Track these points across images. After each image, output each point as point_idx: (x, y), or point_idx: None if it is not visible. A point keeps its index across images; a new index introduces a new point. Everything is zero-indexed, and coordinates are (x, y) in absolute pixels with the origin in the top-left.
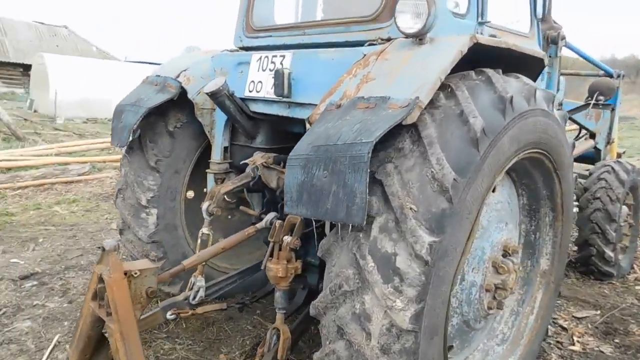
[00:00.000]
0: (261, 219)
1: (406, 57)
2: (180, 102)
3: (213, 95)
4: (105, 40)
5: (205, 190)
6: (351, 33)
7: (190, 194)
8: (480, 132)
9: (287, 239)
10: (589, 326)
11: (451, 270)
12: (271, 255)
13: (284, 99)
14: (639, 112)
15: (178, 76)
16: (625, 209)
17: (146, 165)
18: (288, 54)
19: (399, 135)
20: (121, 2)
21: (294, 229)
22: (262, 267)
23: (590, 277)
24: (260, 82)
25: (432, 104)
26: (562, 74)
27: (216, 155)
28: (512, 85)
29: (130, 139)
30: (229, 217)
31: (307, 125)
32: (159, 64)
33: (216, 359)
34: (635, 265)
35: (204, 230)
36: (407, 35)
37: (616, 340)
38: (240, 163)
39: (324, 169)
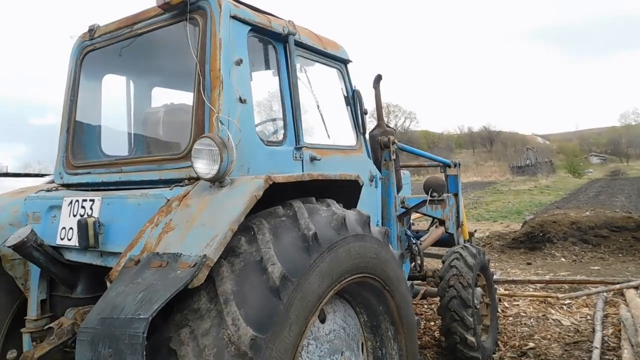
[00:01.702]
0: None
1: (204, 204)
2: None
3: (18, 248)
4: None
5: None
6: (163, 171)
7: (13, 353)
8: (279, 280)
9: None
10: None
11: None
12: None
13: (90, 249)
14: (499, 177)
15: None
16: (479, 290)
17: None
18: (97, 198)
19: (196, 294)
20: None
21: None
22: None
23: None
24: (71, 228)
25: (234, 251)
26: (407, 167)
27: (32, 311)
28: (319, 218)
29: None
30: None
31: (108, 284)
32: None
33: None
34: (499, 342)
35: None
36: (205, 180)
37: None
38: (50, 325)
39: (109, 347)
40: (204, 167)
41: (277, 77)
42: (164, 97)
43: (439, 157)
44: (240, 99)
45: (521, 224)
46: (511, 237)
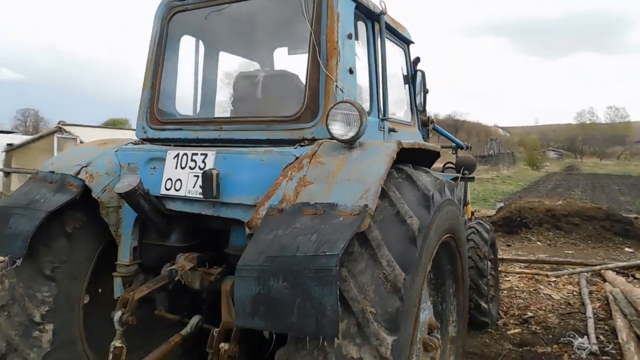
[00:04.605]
0: (184, 324)
1: (340, 162)
2: (79, 200)
3: (127, 196)
4: None
5: (100, 292)
6: (273, 132)
7: (86, 299)
8: (417, 230)
9: (224, 346)
10: None
11: None
12: None
13: (211, 199)
14: None
15: (78, 173)
16: (489, 263)
17: (39, 274)
18: (210, 152)
19: None
20: None
21: (229, 335)
22: None
23: (470, 329)
24: (179, 180)
25: None
26: None
27: (124, 256)
28: (428, 181)
29: (26, 249)
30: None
31: (247, 230)
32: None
33: None
34: (500, 312)
35: (116, 343)
36: (340, 141)
37: None
38: (168, 269)
39: (284, 281)
40: (341, 129)
41: (365, 52)
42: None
43: (456, 139)
44: (350, 69)
45: (490, 210)
46: (489, 221)
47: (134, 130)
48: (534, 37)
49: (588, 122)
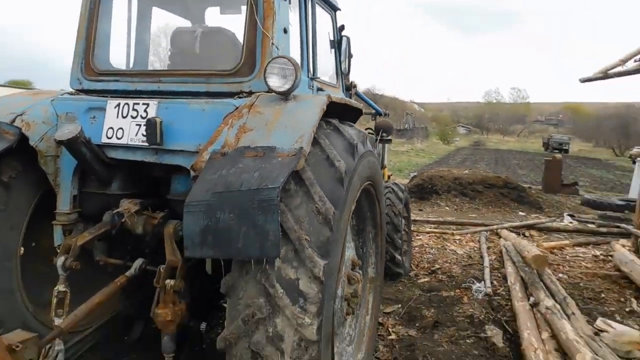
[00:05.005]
0: (126, 268)
1: (277, 112)
2: (15, 148)
3: (69, 143)
4: None
5: (36, 243)
6: (211, 84)
7: (21, 250)
8: (344, 172)
9: (170, 282)
10: (397, 318)
11: (334, 286)
12: (157, 301)
13: (153, 146)
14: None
15: (13, 121)
16: (403, 220)
17: None
18: (152, 102)
19: None
20: None
21: (174, 272)
22: (151, 314)
23: (387, 279)
24: (121, 128)
25: None
26: None
27: (64, 205)
28: (353, 132)
29: None
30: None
31: (191, 172)
32: None
33: None
34: (412, 265)
35: (60, 288)
36: (277, 93)
37: (417, 324)
38: (110, 214)
39: (230, 213)
40: (277, 81)
41: (297, 15)
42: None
43: (376, 106)
44: (284, 29)
45: (404, 179)
46: None
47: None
48: (451, 15)
49: (494, 101)
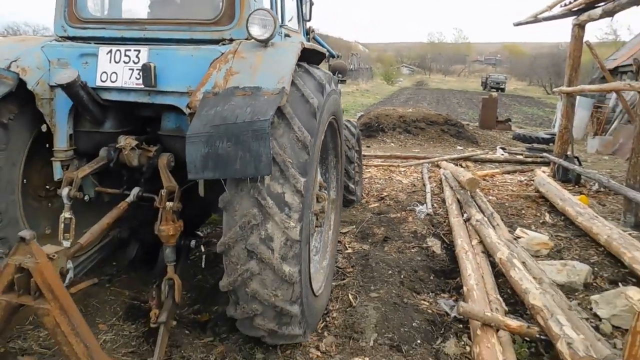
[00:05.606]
0: (125, 195)
1: (259, 57)
2: (11, 92)
3: (68, 87)
4: None
5: (23, 180)
6: (195, 32)
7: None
8: (317, 107)
9: (169, 204)
10: (352, 236)
11: (310, 199)
12: (160, 220)
13: (146, 88)
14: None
15: (9, 67)
16: (355, 154)
17: None
18: (143, 49)
19: None
20: None
21: (172, 196)
22: (155, 231)
23: (342, 206)
24: (114, 73)
25: None
26: None
27: (61, 142)
28: (321, 74)
29: None
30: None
31: (187, 110)
32: None
33: (94, 329)
34: (363, 193)
35: (66, 215)
36: (258, 41)
37: (369, 240)
38: (106, 150)
39: (227, 141)
40: (259, 30)
41: None
42: None
43: (330, 49)
44: None
45: (352, 119)
46: None
47: None
48: None
49: (437, 41)
